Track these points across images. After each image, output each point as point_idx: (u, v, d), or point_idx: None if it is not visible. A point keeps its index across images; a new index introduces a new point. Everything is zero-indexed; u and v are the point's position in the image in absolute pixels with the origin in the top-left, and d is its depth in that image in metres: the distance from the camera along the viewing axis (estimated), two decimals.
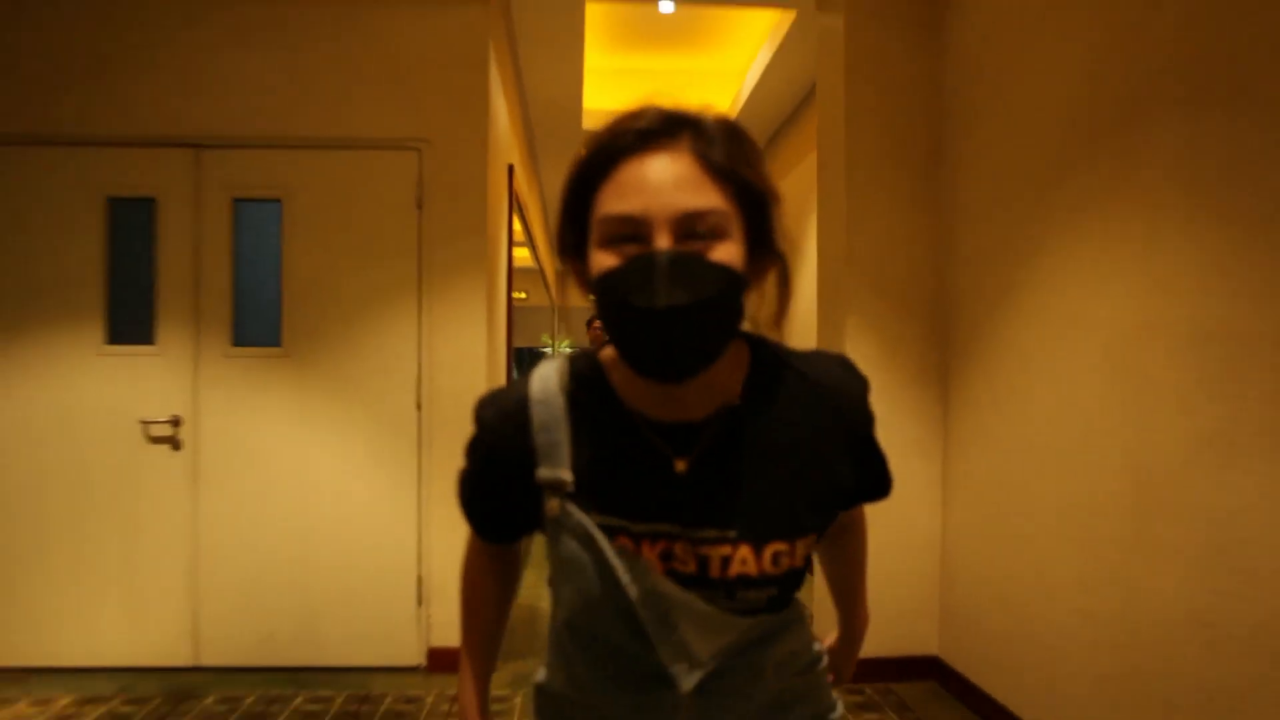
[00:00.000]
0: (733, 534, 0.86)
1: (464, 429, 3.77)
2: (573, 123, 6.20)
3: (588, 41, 5.02)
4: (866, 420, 0.96)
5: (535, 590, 5.03)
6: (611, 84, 5.98)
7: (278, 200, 3.58)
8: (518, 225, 5.07)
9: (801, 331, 5.69)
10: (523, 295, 11.76)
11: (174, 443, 3.53)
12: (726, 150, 0.81)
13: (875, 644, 3.46)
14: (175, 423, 3.52)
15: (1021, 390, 2.88)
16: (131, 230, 3.57)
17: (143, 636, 3.52)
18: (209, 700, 3.25)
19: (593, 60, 5.46)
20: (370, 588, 3.56)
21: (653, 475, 0.87)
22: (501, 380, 4.26)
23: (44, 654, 3.49)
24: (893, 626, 3.47)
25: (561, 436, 0.90)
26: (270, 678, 3.46)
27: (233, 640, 3.53)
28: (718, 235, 0.79)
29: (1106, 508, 2.42)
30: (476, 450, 1.01)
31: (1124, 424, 2.34)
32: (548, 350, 13.76)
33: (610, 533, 0.88)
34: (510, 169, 4.59)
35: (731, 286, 0.79)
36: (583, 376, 0.92)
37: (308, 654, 3.53)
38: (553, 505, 0.90)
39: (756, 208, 0.83)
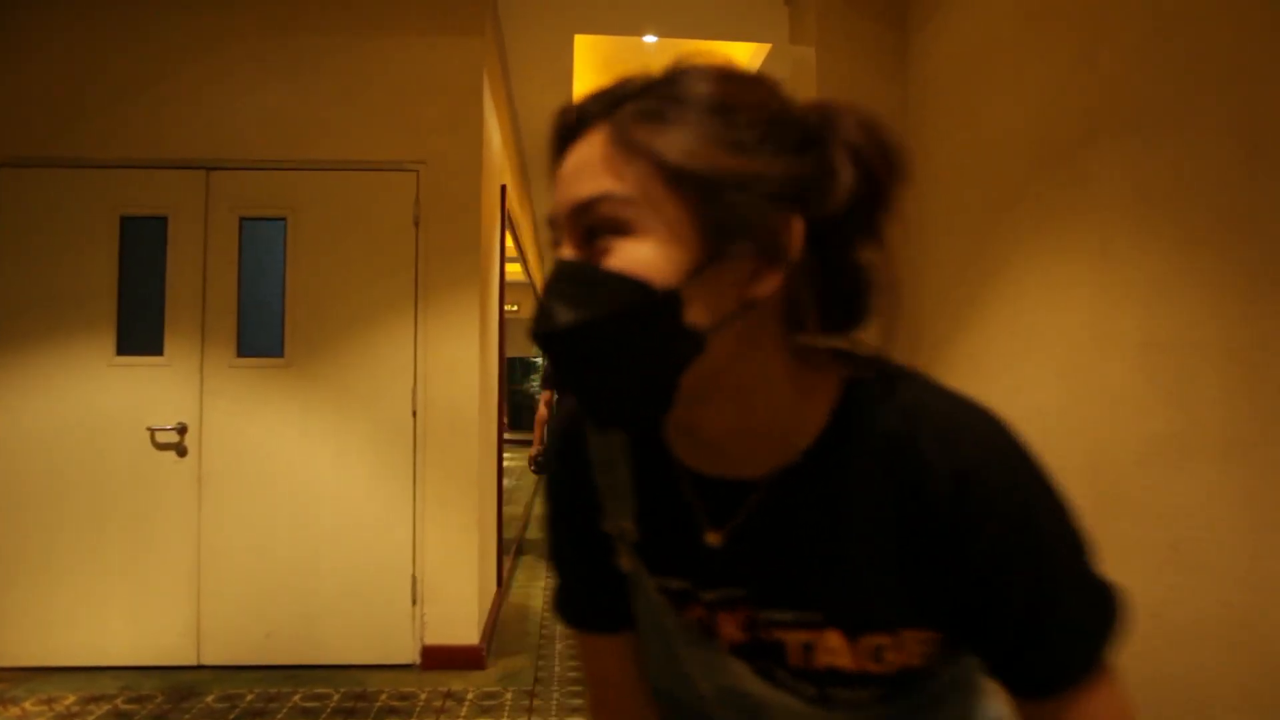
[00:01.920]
0: (817, 616, 0.62)
1: (457, 435, 3.76)
2: None
3: (576, 69, 5.03)
4: (976, 519, 0.57)
5: (526, 589, 4.99)
6: None
7: (282, 219, 3.57)
8: (510, 242, 5.06)
9: None
10: (514, 308, 11.75)
11: (180, 449, 3.48)
12: (658, 111, 0.56)
13: None
14: (181, 430, 3.48)
15: (985, 399, 2.88)
16: (143, 247, 3.54)
17: (146, 636, 3.46)
18: (210, 698, 3.19)
19: (582, 87, 5.46)
20: (367, 588, 3.52)
21: (686, 543, 0.66)
22: (494, 389, 4.24)
23: (50, 654, 3.43)
24: None
25: (623, 476, 0.68)
26: (269, 675, 3.40)
27: (234, 639, 3.48)
28: (617, 230, 0.54)
29: (1089, 503, 2.41)
30: (550, 512, 0.77)
31: (1083, 429, 2.35)
32: (538, 360, 13.74)
33: (678, 600, 0.66)
34: (503, 189, 4.59)
35: (629, 303, 0.53)
36: None
37: (306, 652, 3.48)
38: (625, 560, 0.69)
39: (712, 185, 0.54)
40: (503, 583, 4.63)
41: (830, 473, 0.60)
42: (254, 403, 3.52)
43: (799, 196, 0.56)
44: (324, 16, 3.60)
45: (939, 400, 0.62)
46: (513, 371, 16.13)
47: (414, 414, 3.56)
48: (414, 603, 3.53)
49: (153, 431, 3.47)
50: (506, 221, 4.72)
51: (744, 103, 0.56)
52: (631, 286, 0.53)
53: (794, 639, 0.62)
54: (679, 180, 0.54)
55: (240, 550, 3.49)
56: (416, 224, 3.59)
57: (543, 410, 5.20)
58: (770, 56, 4.61)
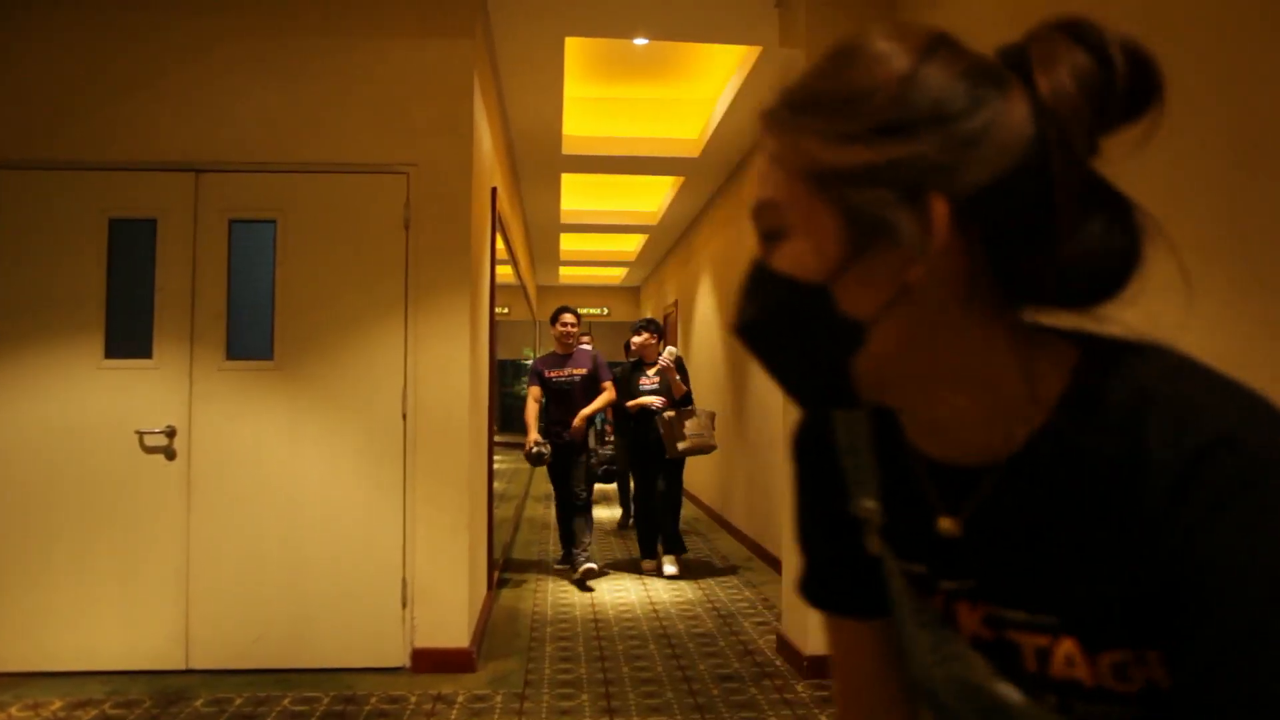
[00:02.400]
0: (1052, 620, 0.57)
1: (447, 438, 3.73)
2: (553, 147, 6.21)
3: (567, 72, 5.03)
4: (1196, 520, 0.48)
5: (516, 591, 4.99)
6: (590, 112, 5.99)
7: (272, 221, 3.56)
8: (501, 244, 5.06)
9: None
10: (505, 310, 11.71)
11: (169, 452, 3.47)
12: (788, 115, 0.58)
13: None
14: (170, 433, 3.47)
15: None
16: (132, 249, 3.52)
17: (134, 640, 3.45)
18: (198, 702, 3.18)
19: (571, 89, 5.47)
20: (357, 591, 3.51)
21: (922, 528, 0.64)
22: (485, 392, 4.24)
23: (37, 658, 3.41)
24: None
25: (868, 460, 0.68)
26: (259, 679, 3.39)
27: (222, 643, 3.47)
28: (776, 233, 0.58)
29: None
30: (798, 493, 0.76)
31: None
32: (529, 362, 13.70)
33: (919, 585, 0.65)
34: (494, 191, 4.59)
35: (784, 300, 0.57)
36: None
37: (296, 656, 3.47)
38: (873, 542, 0.68)
39: (837, 184, 0.55)
40: (493, 585, 4.62)
41: (1060, 460, 0.56)
42: (243, 405, 3.51)
43: (931, 178, 0.53)
44: (314, 19, 3.60)
45: (1183, 378, 0.54)
46: (503, 374, 16.07)
47: (404, 416, 3.55)
48: (404, 605, 3.52)
49: (141, 435, 3.45)
50: (497, 224, 4.72)
51: (863, 91, 0.55)
52: (785, 285, 0.57)
53: (1028, 642, 0.58)
54: (812, 182, 0.56)
55: (229, 553, 3.48)
56: (407, 226, 3.59)
57: (532, 406, 5.24)
58: (760, 59, 4.62)
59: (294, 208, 3.56)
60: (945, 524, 0.61)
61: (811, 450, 0.73)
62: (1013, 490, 0.58)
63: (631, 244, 11.00)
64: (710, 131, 5.82)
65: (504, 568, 5.53)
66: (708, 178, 7.05)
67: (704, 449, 5.17)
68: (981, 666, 0.61)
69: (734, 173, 6.84)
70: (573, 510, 5.24)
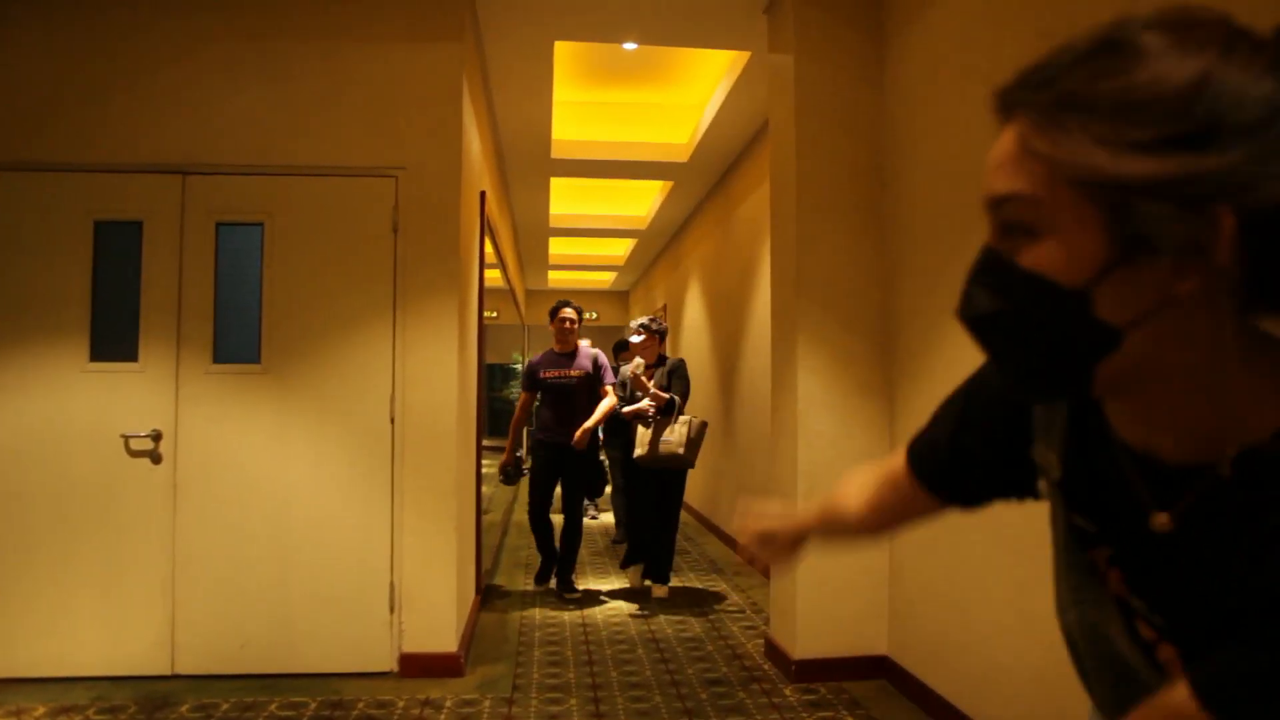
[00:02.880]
0: (1160, 622, 0.62)
1: (435, 442, 3.71)
2: (543, 151, 6.22)
3: (556, 76, 5.04)
4: None
5: (504, 595, 4.98)
6: (579, 116, 6.01)
7: (260, 224, 3.55)
8: (490, 248, 5.06)
9: (756, 350, 5.73)
10: (494, 314, 11.69)
11: (154, 456, 3.45)
12: (1059, 114, 0.54)
13: (828, 644, 3.47)
14: (156, 437, 3.45)
15: None
16: (118, 252, 3.50)
17: (119, 646, 3.42)
18: (184, 708, 3.16)
19: (561, 93, 5.48)
20: (344, 595, 3.50)
21: (1119, 512, 0.65)
22: (473, 397, 4.23)
23: (20, 665, 3.38)
24: (845, 628, 3.49)
25: (1059, 418, 0.70)
26: (245, 685, 3.37)
27: (208, 648, 3.45)
28: (1026, 228, 0.57)
29: (1038, 513, 2.46)
30: (974, 385, 0.81)
31: None
32: (518, 366, 13.68)
33: (1081, 539, 0.69)
34: (483, 195, 4.59)
35: (1038, 300, 0.56)
36: None
37: (282, 661, 3.46)
38: (1045, 488, 0.74)
39: (1117, 194, 0.52)
40: (481, 590, 4.61)
41: (1261, 486, 0.55)
42: (230, 409, 3.49)
43: (1224, 193, 0.50)
44: (303, 21, 3.60)
45: None
46: (492, 378, 16.03)
47: (392, 421, 3.55)
48: (392, 610, 3.52)
49: (127, 439, 3.44)
50: (486, 228, 4.73)
51: (1152, 95, 0.51)
52: (1041, 285, 0.55)
53: (1144, 629, 0.64)
54: (1082, 187, 0.54)
55: (215, 558, 3.46)
56: (395, 230, 3.59)
57: (519, 417, 4.95)
58: (750, 63, 4.65)
59: (282, 210, 3.56)
60: (1160, 519, 0.61)
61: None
62: (1217, 500, 0.58)
63: (620, 248, 11.01)
64: (699, 136, 5.84)
65: (492, 572, 5.51)
66: (697, 182, 7.07)
67: (667, 461, 4.66)
68: (1115, 620, 0.65)
69: (723, 177, 6.87)
70: (565, 539, 4.87)
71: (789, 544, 1.05)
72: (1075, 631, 0.71)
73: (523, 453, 4.92)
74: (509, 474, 4.89)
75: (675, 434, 4.66)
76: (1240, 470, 0.56)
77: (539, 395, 4.91)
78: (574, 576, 4.98)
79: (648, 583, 4.98)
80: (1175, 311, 0.54)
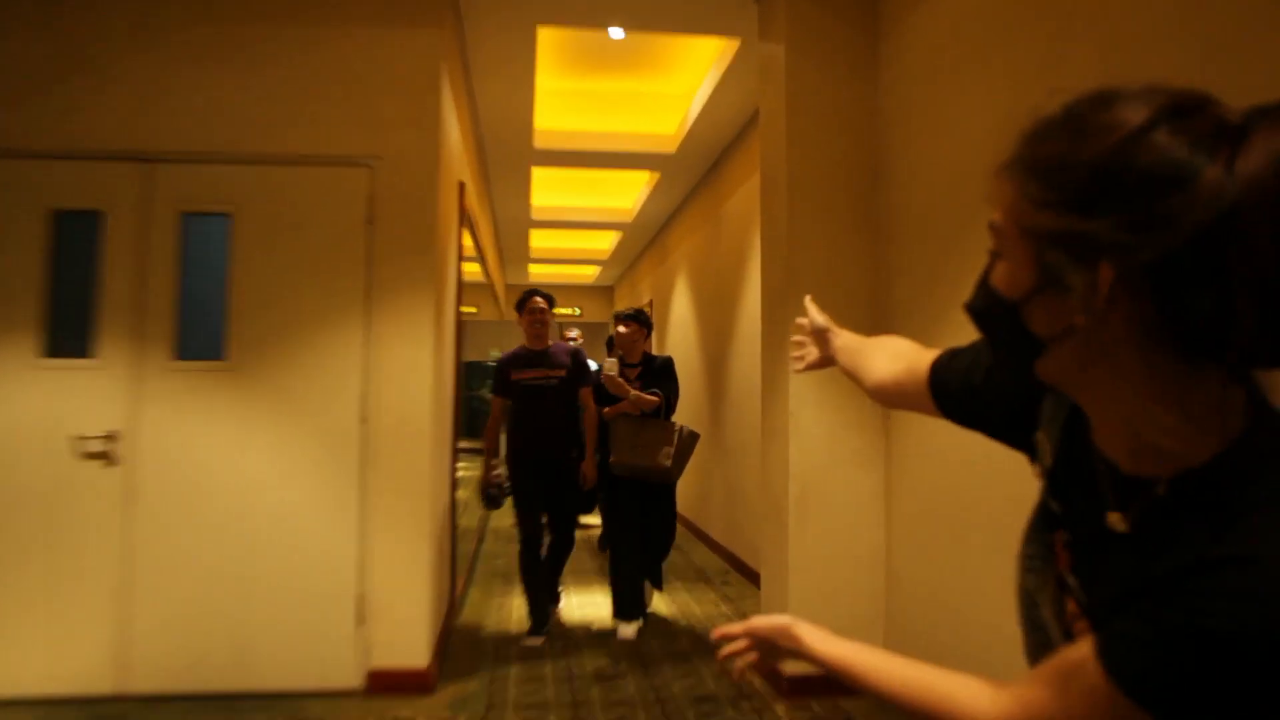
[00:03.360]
0: (1085, 600, 0.76)
1: (408, 444, 3.70)
2: (524, 141, 6.21)
3: (539, 64, 5.03)
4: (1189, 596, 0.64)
5: (480, 608, 4.96)
6: (563, 105, 6.00)
7: (227, 214, 3.53)
8: (468, 241, 5.04)
9: (746, 348, 5.74)
10: (473, 310, 11.66)
11: (109, 458, 3.41)
12: (1010, 166, 0.72)
13: None
14: (112, 438, 3.41)
15: None
16: (76, 243, 3.47)
17: (65, 663, 3.36)
18: None
19: (544, 82, 5.47)
20: (308, 608, 3.48)
21: (1087, 507, 0.78)
22: (448, 396, 4.21)
23: None
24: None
25: (1061, 413, 0.84)
26: (201, 705, 3.33)
27: (162, 665, 3.41)
28: (998, 253, 0.75)
29: None
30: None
31: None
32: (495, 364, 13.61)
33: (1052, 523, 0.83)
34: (461, 186, 4.58)
35: (989, 304, 0.76)
36: None
37: (241, 678, 3.43)
38: (1036, 469, 0.88)
39: (1032, 237, 0.70)
40: (454, 602, 4.60)
41: (1190, 506, 0.68)
42: (193, 408, 3.47)
43: (1105, 252, 0.65)
44: (275, 4, 3.58)
45: None
46: (470, 377, 15.98)
47: (363, 421, 3.53)
48: (359, 623, 3.49)
49: (79, 439, 3.40)
50: (464, 220, 4.71)
51: (1068, 164, 0.67)
52: (989, 294, 0.76)
53: (1071, 607, 0.78)
54: (1019, 230, 0.71)
55: (173, 567, 3.43)
56: (369, 222, 3.57)
57: (493, 427, 4.43)
58: (740, 52, 4.66)
59: (250, 201, 3.54)
60: (1114, 518, 0.74)
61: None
62: (1155, 514, 0.71)
63: (605, 242, 11.01)
64: (688, 126, 5.85)
65: (467, 581, 5.49)
66: (684, 173, 7.08)
67: (647, 472, 4.23)
68: (1050, 592, 0.81)
69: (711, 168, 6.88)
70: (553, 551, 4.45)
71: (827, 353, 1.36)
72: (1019, 592, 0.87)
73: (502, 469, 4.43)
74: (492, 495, 4.39)
75: (661, 441, 4.22)
76: (1173, 492, 0.69)
77: (512, 401, 4.38)
78: (560, 588, 4.74)
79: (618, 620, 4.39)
80: (1089, 341, 0.69)
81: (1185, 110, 0.64)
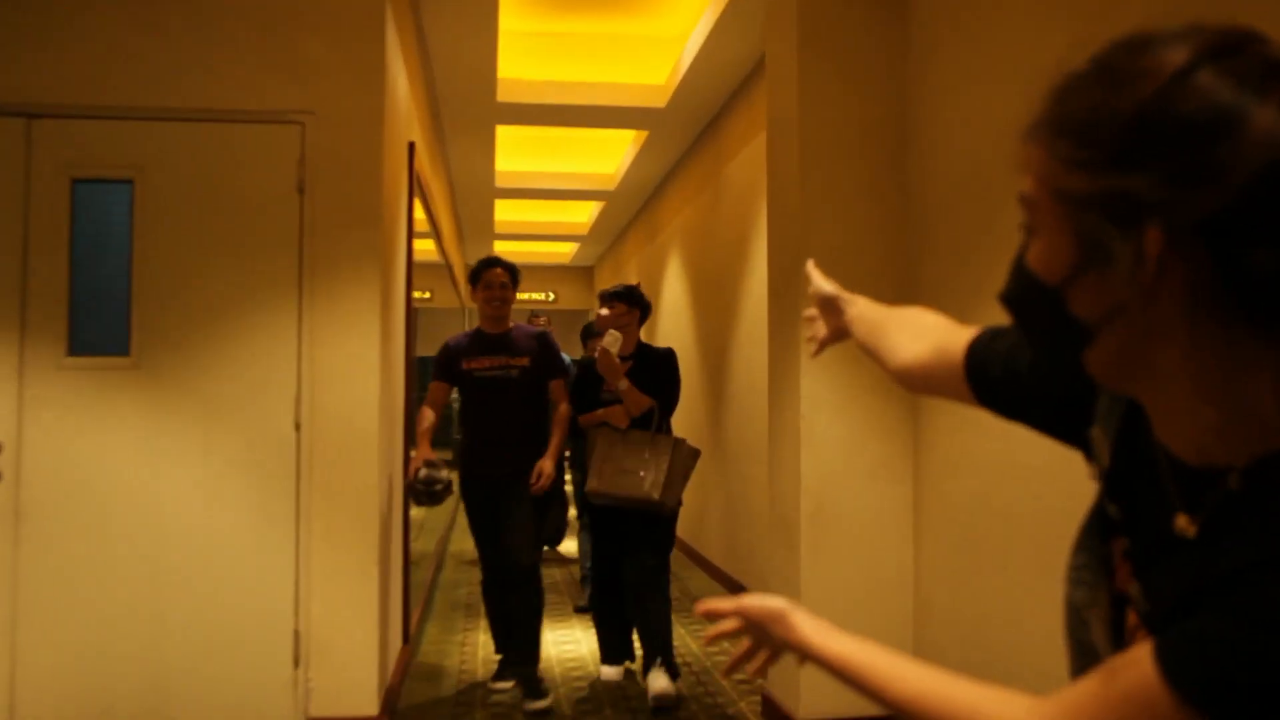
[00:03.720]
0: (1147, 609, 0.77)
1: (353, 454, 3.66)
2: (486, 94, 6.17)
3: (502, 2, 4.98)
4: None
5: (439, 645, 4.94)
6: (532, 50, 5.96)
7: (128, 181, 3.51)
8: (420, 213, 5.00)
9: (750, 339, 5.73)
10: (426, 295, 11.61)
11: None
12: (1040, 127, 0.74)
13: (840, 702, 3.47)
14: None
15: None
16: None
17: None
18: None
19: (509, 22, 5.43)
20: (236, 647, 3.46)
21: (1152, 510, 0.80)
22: (399, 397, 4.18)
23: None
24: None
25: (1119, 408, 0.86)
26: None
27: (59, 715, 3.37)
28: (1030, 225, 0.77)
29: None
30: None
31: None
32: None
33: (1110, 530, 0.85)
34: (411, 147, 4.56)
35: (1026, 290, 0.77)
36: None
37: None
38: (1092, 467, 0.91)
39: (1068, 204, 0.72)
40: (410, 638, 4.57)
41: (1273, 498, 0.69)
42: (91, 413, 3.44)
43: (1149, 212, 0.66)
44: None
45: None
46: (423, 374, 15.92)
47: (297, 427, 3.52)
48: (296, 665, 3.48)
49: None
50: (416, 187, 4.69)
51: (1102, 118, 0.69)
52: (1026, 277, 0.77)
53: (1133, 620, 0.79)
54: (1054, 197, 0.73)
55: (68, 602, 3.39)
56: (301, 190, 3.55)
57: (426, 416, 4.12)
58: None
59: (157, 165, 3.51)
60: (1182, 522, 0.75)
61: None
62: (1228, 511, 0.72)
63: (583, 214, 10.99)
64: (680, 76, 5.82)
65: (423, 615, 5.47)
66: (677, 133, 7.07)
67: (633, 503, 3.87)
68: (1102, 608, 0.83)
69: (709, 126, 6.86)
70: (515, 586, 4.04)
71: (840, 325, 1.37)
72: (1067, 606, 0.89)
73: (442, 469, 4.00)
74: (421, 492, 3.93)
75: (649, 461, 3.87)
76: (1247, 481, 0.70)
77: (462, 397, 4.16)
78: (540, 670, 4.10)
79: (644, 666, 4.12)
80: (1142, 319, 0.70)
81: (1229, 49, 0.66)
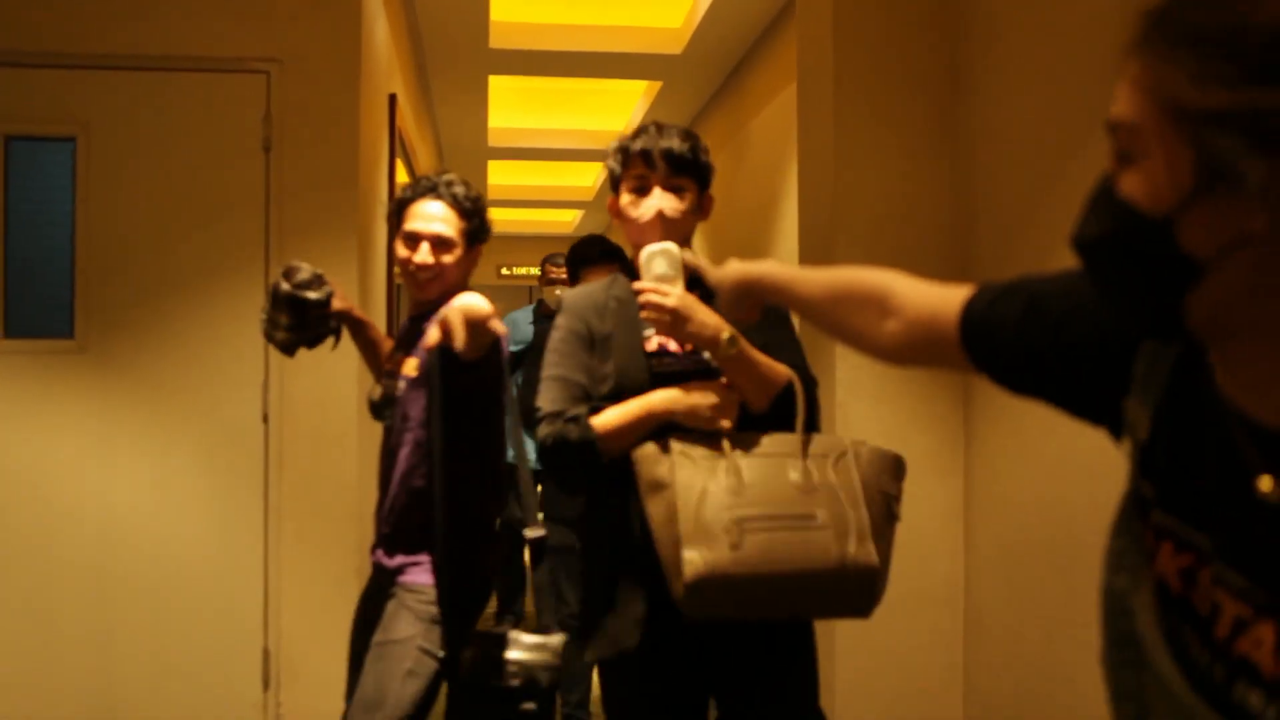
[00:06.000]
0: (1265, 597, 0.77)
1: (328, 448, 3.60)
2: (478, 39, 6.16)
3: None
4: None
5: None
6: None
7: (70, 139, 3.53)
8: (403, 175, 5.00)
9: None
10: None
11: None
12: (1162, 40, 0.77)
13: None
14: None
15: None
16: None
17: None
18: None
19: None
20: (198, 667, 3.47)
21: (1212, 478, 0.83)
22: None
23: None
24: (905, 707, 3.47)
25: (1160, 374, 0.90)
26: None
27: None
28: (1127, 155, 0.79)
29: None
30: (1078, 295, 1.01)
31: None
32: None
33: (1158, 534, 0.88)
34: (392, 100, 4.58)
35: (1123, 224, 0.79)
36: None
37: None
38: (1124, 445, 0.93)
39: (1196, 123, 0.73)
40: None
41: None
42: (29, 403, 3.45)
43: None
44: None
45: None
46: None
47: (265, 419, 3.52)
48: (266, 687, 3.50)
49: None
50: (398, 146, 4.70)
51: (1244, 30, 0.71)
52: (1125, 210, 0.78)
53: (1232, 609, 0.79)
54: (1170, 116, 0.75)
55: (9, 614, 3.42)
56: (266, 147, 3.55)
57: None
58: None
59: (103, 120, 3.51)
60: (1266, 484, 0.77)
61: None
62: None
63: (588, 176, 10.98)
64: (698, 18, 5.80)
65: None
66: (694, 83, 7.06)
67: (790, 581, 1.80)
68: (1147, 599, 0.86)
69: (731, 75, 6.84)
70: None
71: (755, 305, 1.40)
72: (1106, 596, 0.91)
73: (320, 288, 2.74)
74: (285, 300, 2.53)
75: (819, 491, 1.88)
76: None
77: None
78: None
79: None
80: (1267, 254, 0.72)
81: None
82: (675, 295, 1.83)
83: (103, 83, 3.52)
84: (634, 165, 2.10)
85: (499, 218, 9.87)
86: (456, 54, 6.46)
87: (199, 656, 3.47)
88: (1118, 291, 0.84)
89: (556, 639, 2.20)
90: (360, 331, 2.78)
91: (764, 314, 1.88)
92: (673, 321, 1.82)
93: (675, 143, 2.11)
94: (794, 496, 1.84)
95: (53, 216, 3.51)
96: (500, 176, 10.79)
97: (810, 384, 2.03)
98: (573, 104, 8.48)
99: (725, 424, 1.86)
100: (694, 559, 1.72)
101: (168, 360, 3.51)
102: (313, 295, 2.52)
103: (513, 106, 8.27)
